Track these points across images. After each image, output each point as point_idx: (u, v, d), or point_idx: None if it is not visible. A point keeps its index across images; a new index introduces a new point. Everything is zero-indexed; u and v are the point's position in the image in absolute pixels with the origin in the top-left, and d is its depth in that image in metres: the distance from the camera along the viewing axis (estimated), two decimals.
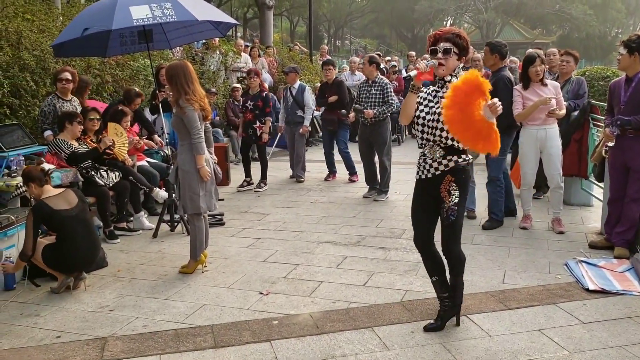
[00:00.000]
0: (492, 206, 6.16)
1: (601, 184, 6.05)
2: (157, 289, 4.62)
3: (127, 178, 6.24)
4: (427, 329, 3.76)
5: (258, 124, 8.25)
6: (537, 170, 5.96)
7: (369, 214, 6.83)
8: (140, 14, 5.52)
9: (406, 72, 14.22)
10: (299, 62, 15.26)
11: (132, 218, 6.41)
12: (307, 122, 8.78)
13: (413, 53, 15.68)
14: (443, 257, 3.77)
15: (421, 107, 3.59)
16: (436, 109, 3.48)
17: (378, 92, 7.38)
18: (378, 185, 7.67)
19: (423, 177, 3.65)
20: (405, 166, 9.27)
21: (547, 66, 6.83)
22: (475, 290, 4.37)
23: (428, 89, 3.65)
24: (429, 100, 3.58)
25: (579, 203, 6.90)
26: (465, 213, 5.98)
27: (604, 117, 5.54)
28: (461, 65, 3.58)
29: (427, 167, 3.60)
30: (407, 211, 6.85)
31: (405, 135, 13.90)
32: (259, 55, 13.41)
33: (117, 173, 6.15)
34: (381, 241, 5.73)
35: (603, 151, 5.38)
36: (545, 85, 5.70)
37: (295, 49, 17.20)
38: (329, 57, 13.46)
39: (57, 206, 4.45)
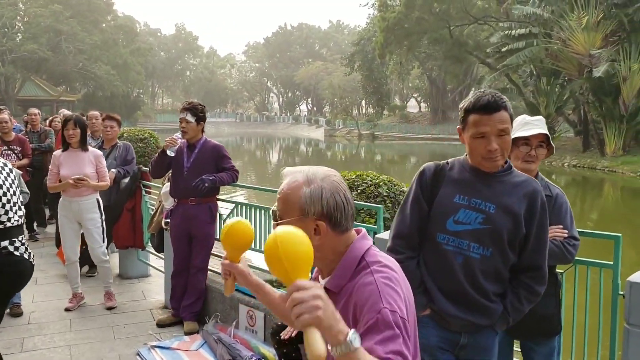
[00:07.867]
0: None
1: (161, 254, 5.74)
2: None
3: None
4: None
5: None
6: (79, 245, 5.35)
7: None
8: None
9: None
10: None
11: None
12: None
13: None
14: None
15: None
16: None
17: None
18: None
19: None
20: None
21: (90, 130, 6.22)
22: None
23: None
24: None
25: (138, 275, 6.43)
26: (9, 309, 4.87)
27: (162, 185, 5.23)
28: None
29: None
30: None
31: None
32: None
33: None
34: None
35: (162, 222, 5.09)
36: (86, 150, 5.17)
37: None
38: None
39: None
